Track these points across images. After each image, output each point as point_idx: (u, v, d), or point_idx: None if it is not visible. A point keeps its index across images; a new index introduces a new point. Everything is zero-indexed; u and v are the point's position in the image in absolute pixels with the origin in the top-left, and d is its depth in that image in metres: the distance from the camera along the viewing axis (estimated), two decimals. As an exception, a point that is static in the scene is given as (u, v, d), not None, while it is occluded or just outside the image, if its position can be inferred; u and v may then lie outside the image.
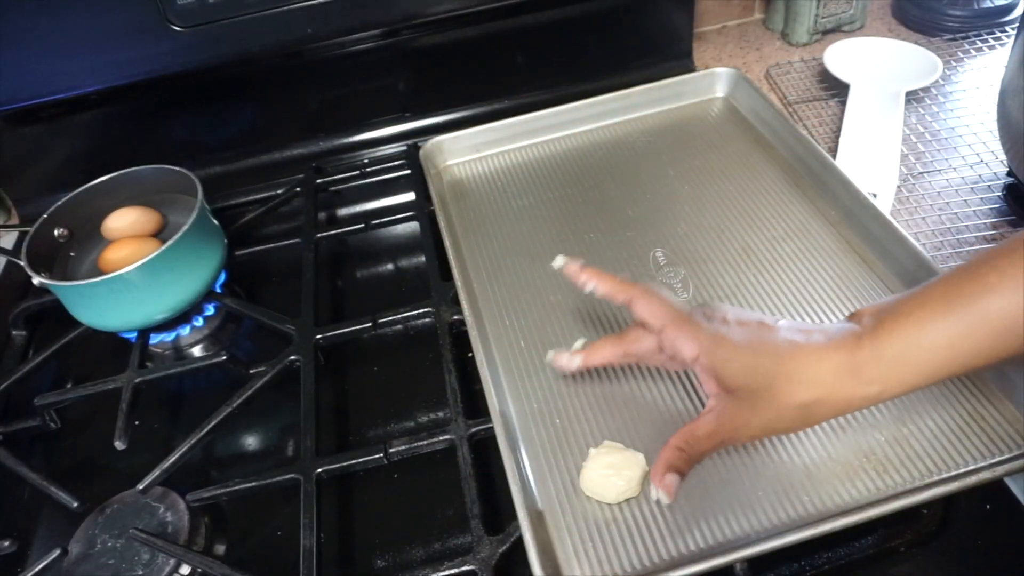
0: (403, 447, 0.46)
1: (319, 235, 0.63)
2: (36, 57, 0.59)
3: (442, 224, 0.59)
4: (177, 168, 0.58)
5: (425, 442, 0.46)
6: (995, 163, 0.63)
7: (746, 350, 0.37)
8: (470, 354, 0.49)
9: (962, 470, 0.39)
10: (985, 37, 0.77)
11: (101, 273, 0.51)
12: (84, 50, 0.60)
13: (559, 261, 0.45)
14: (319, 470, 0.45)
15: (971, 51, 0.76)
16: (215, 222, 0.59)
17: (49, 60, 0.60)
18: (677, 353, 0.39)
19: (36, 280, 0.52)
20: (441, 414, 0.51)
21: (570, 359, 0.46)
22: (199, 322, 0.59)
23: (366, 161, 0.73)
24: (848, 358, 0.35)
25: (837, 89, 0.73)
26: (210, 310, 0.60)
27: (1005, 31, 0.78)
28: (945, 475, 0.39)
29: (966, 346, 0.34)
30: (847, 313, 0.49)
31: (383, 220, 0.64)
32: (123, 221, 0.56)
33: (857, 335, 0.36)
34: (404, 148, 0.73)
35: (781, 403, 0.36)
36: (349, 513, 0.47)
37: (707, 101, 0.70)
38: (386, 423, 0.52)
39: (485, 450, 0.46)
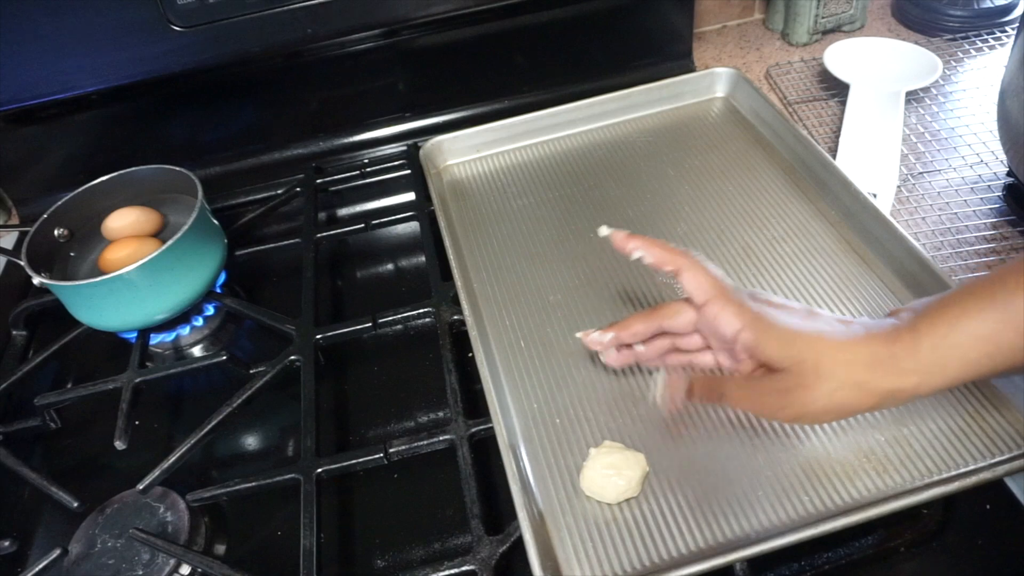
0: (403, 447, 0.46)
1: (319, 235, 0.63)
2: (36, 57, 0.59)
3: (442, 224, 0.59)
4: (177, 168, 0.59)
5: (425, 442, 0.46)
6: (995, 163, 0.63)
7: (788, 332, 0.37)
8: (470, 354, 0.49)
9: (962, 470, 0.39)
10: (985, 37, 0.77)
11: (101, 273, 0.52)
12: (84, 50, 0.60)
13: (604, 230, 0.43)
14: (319, 470, 0.45)
15: (971, 51, 0.76)
16: (215, 222, 0.59)
17: (49, 60, 0.60)
18: (717, 329, 0.39)
19: (36, 280, 0.52)
20: (441, 414, 0.51)
21: (602, 335, 0.44)
22: (199, 322, 0.59)
23: (366, 161, 0.73)
24: (884, 349, 0.36)
25: (837, 89, 0.73)
26: (210, 310, 0.60)
27: (1005, 31, 0.78)
28: (945, 475, 0.39)
29: (1008, 339, 0.34)
30: (847, 313, 0.49)
31: (383, 220, 0.64)
32: (123, 221, 0.56)
33: (896, 328, 0.36)
34: (404, 148, 0.73)
35: (816, 390, 0.36)
36: (349, 513, 0.47)
37: (707, 101, 0.70)
38: (386, 423, 0.52)
39: (485, 450, 0.46)
